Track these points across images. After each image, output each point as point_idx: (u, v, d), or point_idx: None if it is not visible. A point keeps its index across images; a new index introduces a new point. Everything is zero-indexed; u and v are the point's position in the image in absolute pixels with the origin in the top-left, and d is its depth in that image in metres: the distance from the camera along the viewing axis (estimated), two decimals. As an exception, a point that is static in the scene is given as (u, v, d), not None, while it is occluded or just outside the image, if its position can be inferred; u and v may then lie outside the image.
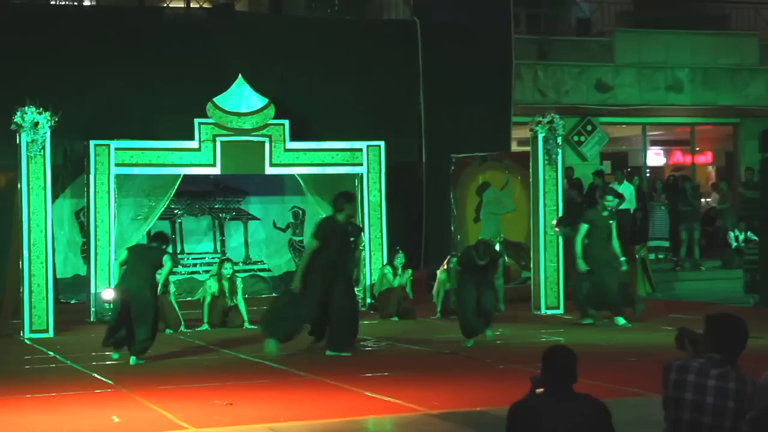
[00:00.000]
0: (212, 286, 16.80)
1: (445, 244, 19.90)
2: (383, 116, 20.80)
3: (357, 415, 9.86)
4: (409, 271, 18.20)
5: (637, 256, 21.17)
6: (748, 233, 22.83)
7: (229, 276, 16.82)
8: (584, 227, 16.38)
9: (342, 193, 14.33)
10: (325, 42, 20.97)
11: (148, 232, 17.22)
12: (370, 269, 18.98)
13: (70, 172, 18.66)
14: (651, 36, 26.35)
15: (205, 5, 22.50)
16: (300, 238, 20.41)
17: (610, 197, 16.79)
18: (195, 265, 19.86)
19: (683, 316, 16.45)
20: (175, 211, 19.83)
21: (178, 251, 19.71)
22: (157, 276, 13.44)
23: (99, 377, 12.01)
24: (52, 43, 19.26)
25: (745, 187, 24.48)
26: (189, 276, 19.68)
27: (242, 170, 19.04)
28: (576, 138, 25.56)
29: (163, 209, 18.67)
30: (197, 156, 18.30)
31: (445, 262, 17.90)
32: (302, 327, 13.92)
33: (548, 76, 25.02)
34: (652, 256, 22.52)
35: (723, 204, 25.27)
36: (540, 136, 18.28)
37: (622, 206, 22.07)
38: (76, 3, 22.42)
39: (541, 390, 5.64)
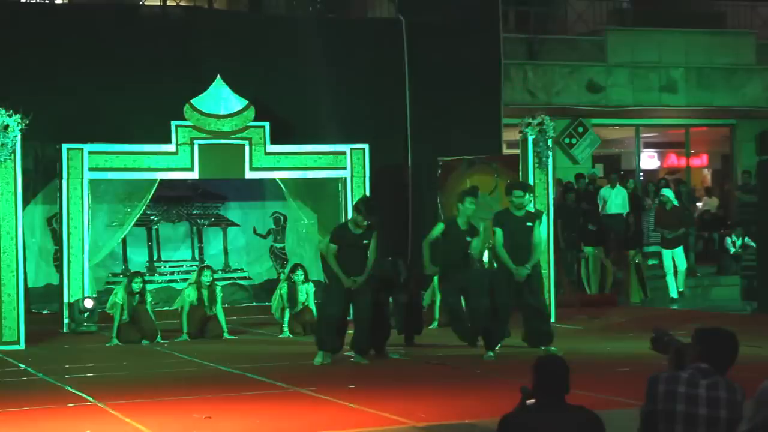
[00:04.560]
0: (191, 294, 16.62)
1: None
2: (367, 118, 20.46)
3: (340, 428, 9.71)
4: None
5: (631, 262, 21.20)
6: (745, 239, 22.58)
7: (208, 284, 16.60)
8: None
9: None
10: (307, 41, 20.58)
11: None
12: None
13: (41, 177, 18.47)
14: (644, 35, 26.17)
15: (182, 3, 22.18)
16: (281, 245, 20.39)
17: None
18: (172, 273, 19.79)
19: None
20: (152, 217, 19.72)
21: (155, 259, 19.64)
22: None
23: (72, 390, 11.90)
24: (23, 42, 18.92)
25: (742, 190, 24.41)
26: (166, 285, 19.56)
27: (221, 174, 18.84)
28: (567, 140, 25.42)
29: (139, 215, 18.59)
30: (174, 160, 18.09)
31: None
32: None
33: (538, 76, 24.86)
34: (652, 261, 22.28)
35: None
36: (530, 139, 18.15)
37: (615, 211, 21.92)
38: (47, 1, 22.01)
39: (532, 401, 5.62)
